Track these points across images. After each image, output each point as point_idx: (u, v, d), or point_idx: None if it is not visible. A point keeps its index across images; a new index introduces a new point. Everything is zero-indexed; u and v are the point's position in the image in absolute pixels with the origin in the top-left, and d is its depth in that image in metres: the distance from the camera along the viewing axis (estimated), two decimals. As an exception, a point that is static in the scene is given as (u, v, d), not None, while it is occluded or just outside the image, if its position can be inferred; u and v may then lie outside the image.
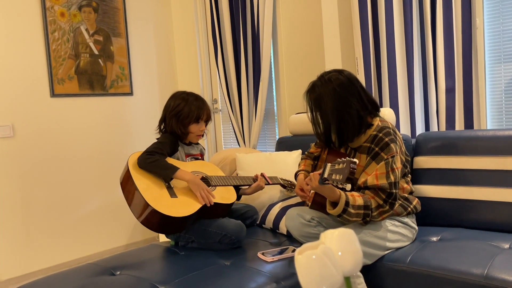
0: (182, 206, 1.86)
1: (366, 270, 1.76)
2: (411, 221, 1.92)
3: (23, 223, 3.15)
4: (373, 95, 2.82)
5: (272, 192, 2.49)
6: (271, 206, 2.35)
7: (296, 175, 2.24)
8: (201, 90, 3.92)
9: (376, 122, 1.90)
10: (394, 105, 2.73)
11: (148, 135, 3.90)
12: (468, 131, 2.19)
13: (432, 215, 2.15)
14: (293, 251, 1.87)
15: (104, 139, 3.61)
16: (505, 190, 1.98)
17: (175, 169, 1.93)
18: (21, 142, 3.15)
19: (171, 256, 1.91)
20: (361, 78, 2.84)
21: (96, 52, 3.56)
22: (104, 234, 3.60)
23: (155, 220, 1.81)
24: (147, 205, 1.79)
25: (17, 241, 3.12)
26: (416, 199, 1.98)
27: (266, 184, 2.30)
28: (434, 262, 1.65)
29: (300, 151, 2.70)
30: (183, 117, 2.08)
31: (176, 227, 1.87)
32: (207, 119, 2.18)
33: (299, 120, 2.83)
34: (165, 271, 1.73)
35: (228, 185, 2.13)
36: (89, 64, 3.52)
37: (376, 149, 1.82)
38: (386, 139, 1.81)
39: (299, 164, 2.31)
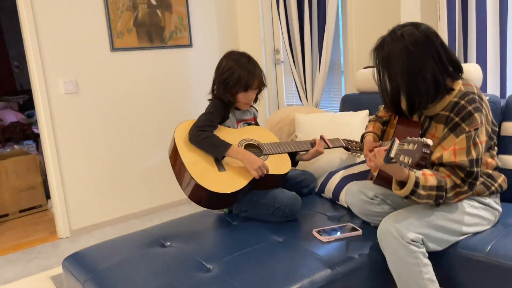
0: (230, 181, 1.74)
1: (436, 257, 1.55)
2: (494, 201, 1.65)
3: (91, 176, 3.26)
4: (457, 47, 2.43)
5: (332, 156, 2.29)
6: (331, 173, 2.16)
7: (362, 137, 2.01)
8: (262, 39, 3.68)
9: (458, 86, 1.59)
10: (482, 59, 2.33)
11: (208, 88, 3.79)
12: None
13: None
14: (352, 229, 1.70)
15: (164, 93, 3.56)
16: None
17: (227, 147, 1.79)
18: (85, 98, 3.19)
19: (223, 227, 1.83)
20: (443, 26, 2.45)
21: (153, 2, 3.43)
22: (166, 187, 3.65)
23: (202, 196, 1.71)
24: (193, 180, 1.69)
25: (86, 194, 3.25)
26: (502, 176, 1.68)
27: (326, 148, 2.11)
28: (519, 255, 1.41)
29: (367, 111, 2.45)
30: (231, 84, 1.91)
31: (226, 202, 1.77)
32: (259, 87, 1.98)
33: (367, 76, 2.54)
34: (215, 245, 1.65)
35: (282, 153, 1.97)
36: (147, 15, 3.41)
37: (456, 119, 1.53)
38: (470, 108, 1.52)
39: (366, 126, 2.07)
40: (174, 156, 1.81)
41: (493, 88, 2.33)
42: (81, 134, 3.20)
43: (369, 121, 2.09)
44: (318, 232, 1.68)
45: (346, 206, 1.97)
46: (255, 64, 1.94)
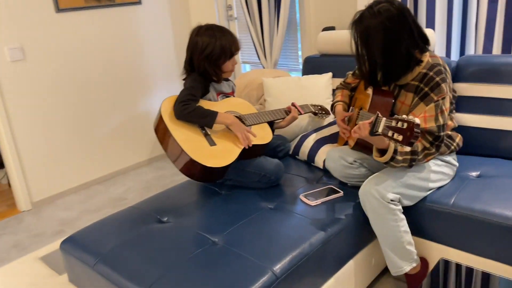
0: (222, 154, 1.82)
1: (408, 211, 1.79)
2: (453, 158, 1.90)
3: (47, 145, 3.15)
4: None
5: (301, 122, 2.44)
6: (304, 137, 2.31)
7: (332, 106, 2.16)
8: (213, -5, 3.61)
9: (426, 58, 1.76)
10: (431, 24, 2.52)
11: (160, 46, 3.71)
12: (516, 57, 2.06)
13: (470, 145, 2.13)
14: (333, 191, 1.88)
15: (116, 54, 3.44)
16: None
17: (215, 114, 1.86)
18: (33, 63, 3.00)
19: (213, 197, 1.94)
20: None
21: (97, -43, 3.20)
22: (126, 150, 3.63)
23: (197, 171, 1.79)
24: (188, 158, 1.75)
25: (44, 164, 3.16)
26: (459, 135, 1.93)
27: (298, 115, 2.24)
28: (478, 205, 1.67)
29: (330, 74, 2.58)
30: (216, 57, 1.94)
31: (219, 175, 1.86)
32: (237, 49, 2.03)
33: (329, 38, 2.64)
34: (212, 218, 1.76)
35: (263, 122, 2.07)
36: (92, -28, 3.19)
37: (426, 89, 1.72)
38: (437, 79, 1.70)
39: (334, 94, 2.22)
40: (163, 133, 1.84)
41: (439, 48, 2.55)
42: (33, 102, 3.04)
43: (337, 88, 2.23)
44: (305, 196, 1.85)
45: (322, 167, 2.15)
46: (227, 30, 1.98)
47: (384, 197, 1.67)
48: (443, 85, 1.70)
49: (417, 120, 1.37)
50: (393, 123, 1.44)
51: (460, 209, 1.70)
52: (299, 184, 2.01)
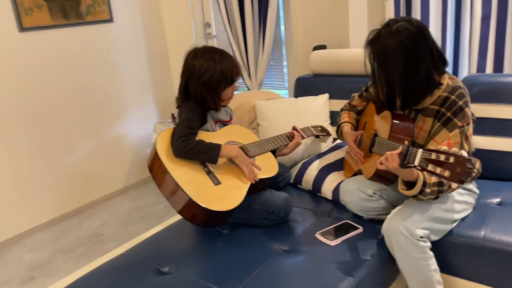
0: (230, 194, 1.61)
1: (432, 246, 1.64)
2: (474, 186, 1.78)
3: (10, 177, 2.81)
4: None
5: (299, 147, 2.26)
6: (306, 164, 2.14)
7: (339, 127, 2.00)
8: (190, 10, 3.41)
9: (445, 80, 1.64)
10: None
11: (133, 67, 3.46)
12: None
13: (483, 168, 2.03)
14: (352, 227, 1.71)
15: (86, 75, 3.16)
16: None
17: (218, 148, 1.65)
18: (-6, 90, 2.69)
19: (216, 239, 1.72)
20: (389, 5, 2.50)
21: (65, -29, 2.94)
22: (99, 179, 3.33)
23: (202, 216, 1.57)
24: (193, 202, 1.52)
25: (7, 198, 2.82)
26: (479, 161, 1.81)
27: (301, 139, 2.07)
28: (510, 238, 1.55)
29: (327, 95, 2.44)
30: (215, 84, 1.73)
31: (226, 218, 1.64)
32: (238, 75, 1.84)
33: (323, 57, 2.51)
34: (220, 265, 1.54)
35: (266, 152, 1.88)
36: (59, -13, 2.92)
37: (448, 114, 1.59)
38: (460, 103, 1.58)
39: (339, 115, 2.06)
40: (161, 173, 1.61)
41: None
42: (-5, 133, 2.72)
43: (342, 110, 2.08)
44: (322, 235, 1.66)
45: (330, 198, 1.97)
46: (226, 53, 1.79)
47: (413, 234, 1.52)
48: (466, 109, 1.58)
49: (464, 153, 1.22)
50: (433, 156, 1.29)
51: (492, 243, 1.56)
52: (309, 219, 1.83)
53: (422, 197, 1.53)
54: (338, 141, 2.32)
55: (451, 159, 1.22)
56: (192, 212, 1.55)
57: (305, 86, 2.59)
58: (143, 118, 3.57)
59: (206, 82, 1.71)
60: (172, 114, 3.37)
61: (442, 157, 1.25)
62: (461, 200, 1.70)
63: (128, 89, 3.43)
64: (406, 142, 1.46)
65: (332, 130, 2.40)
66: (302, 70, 2.94)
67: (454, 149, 1.25)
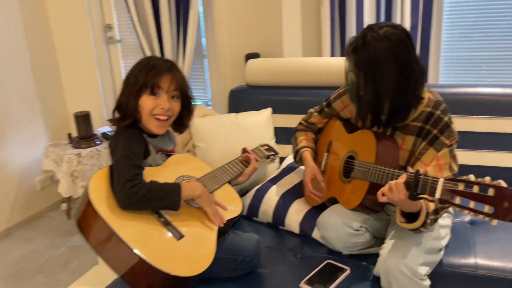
0: (199, 249, 1.23)
1: (426, 280, 1.46)
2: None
3: None
4: (336, 31, 2.35)
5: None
6: (260, 192, 1.83)
7: (297, 153, 1.73)
8: (86, 9, 2.86)
9: (426, 94, 1.48)
10: None
11: (13, 76, 2.77)
12: (468, 87, 1.95)
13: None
14: (338, 268, 1.45)
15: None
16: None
17: (177, 189, 1.25)
18: None
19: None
20: (325, 12, 2.32)
21: None
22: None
23: (168, 286, 1.15)
24: (156, 270, 1.10)
25: None
26: (451, 178, 1.70)
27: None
28: (507, 263, 1.44)
29: (270, 109, 2.16)
30: (131, 83, 1.34)
31: (197, 280, 1.24)
32: (176, 90, 1.40)
33: (261, 67, 2.23)
34: None
35: (224, 184, 1.53)
36: None
37: (435, 131, 1.43)
38: (446, 119, 1.43)
39: (295, 137, 1.80)
40: (99, 231, 1.15)
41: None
42: None
43: (297, 129, 1.83)
44: (308, 284, 1.37)
45: (298, 232, 1.69)
46: (164, 59, 1.40)
47: (416, 273, 1.31)
48: (452, 126, 1.44)
49: (503, 183, 1.03)
50: (460, 187, 1.08)
51: (487, 270, 1.43)
52: (281, 261, 1.53)
53: (423, 229, 1.33)
54: (288, 160, 2.05)
55: (491, 191, 1.03)
56: (150, 281, 1.13)
57: (240, 99, 2.28)
58: (30, 141, 2.88)
59: (125, 82, 1.34)
60: (69, 134, 2.77)
61: (476, 189, 1.06)
62: (444, 225, 1.55)
63: (8, 104, 2.73)
64: (410, 169, 1.26)
65: (278, 148, 2.13)
66: (230, 82, 2.62)
67: (487, 178, 1.06)
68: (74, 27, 2.93)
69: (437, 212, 1.35)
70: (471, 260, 1.47)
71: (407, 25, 2.25)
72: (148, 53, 2.63)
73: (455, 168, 1.43)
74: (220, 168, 1.58)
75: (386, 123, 1.46)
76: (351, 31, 2.31)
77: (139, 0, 2.53)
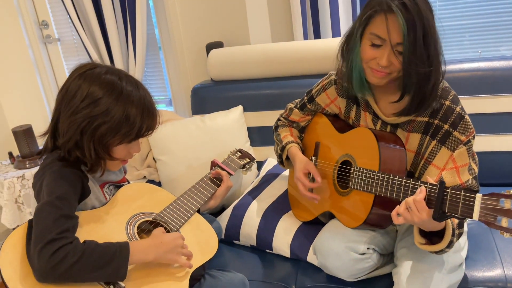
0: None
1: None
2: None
3: None
4: (308, 10, 2.04)
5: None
6: (239, 209, 1.53)
7: (283, 150, 1.42)
8: (15, 5, 2.45)
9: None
10: (337, 34, 2.01)
11: None
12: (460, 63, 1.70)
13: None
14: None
15: None
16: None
17: (126, 251, 0.93)
18: None
19: None
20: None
21: None
22: None
23: None
24: None
25: None
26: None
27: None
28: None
29: (241, 108, 1.85)
30: (104, 132, 0.99)
31: None
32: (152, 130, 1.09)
33: (226, 58, 1.90)
34: None
35: (192, 215, 1.22)
36: None
37: (446, 126, 1.16)
38: (458, 109, 1.16)
39: (277, 134, 1.49)
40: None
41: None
42: None
43: (278, 126, 1.52)
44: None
45: (289, 256, 1.40)
46: (145, 91, 1.06)
47: (446, 305, 1.05)
48: (467, 116, 1.17)
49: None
50: (507, 204, 0.82)
51: (517, 285, 1.20)
52: (274, 297, 1.24)
53: (448, 250, 1.07)
54: (268, 165, 1.75)
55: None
56: None
57: (204, 97, 1.95)
58: (-37, 164, 2.47)
59: (89, 124, 0.97)
60: (10, 153, 2.37)
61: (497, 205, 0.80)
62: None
63: None
64: (429, 179, 0.98)
65: (254, 152, 1.83)
66: (192, 78, 2.28)
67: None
68: (2, 27, 2.51)
69: (461, 226, 1.09)
70: (498, 272, 1.24)
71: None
72: (93, 51, 2.25)
73: (476, 169, 1.17)
74: (186, 194, 1.27)
75: (411, 108, 1.15)
76: (324, 10, 2.00)
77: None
